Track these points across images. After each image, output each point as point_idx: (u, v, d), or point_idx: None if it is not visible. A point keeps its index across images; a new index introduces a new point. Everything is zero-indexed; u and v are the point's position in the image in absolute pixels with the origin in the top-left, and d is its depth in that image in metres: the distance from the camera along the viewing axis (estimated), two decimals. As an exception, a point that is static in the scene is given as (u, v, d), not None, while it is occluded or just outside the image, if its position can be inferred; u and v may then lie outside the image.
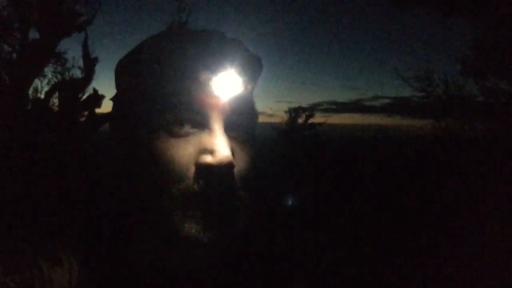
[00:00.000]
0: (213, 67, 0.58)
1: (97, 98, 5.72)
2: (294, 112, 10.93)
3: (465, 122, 4.33)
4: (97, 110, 5.75)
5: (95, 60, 5.92)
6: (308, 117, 10.76)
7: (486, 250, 3.26)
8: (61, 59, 6.15)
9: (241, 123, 0.61)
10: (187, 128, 0.58)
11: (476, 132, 4.36)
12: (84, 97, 5.77)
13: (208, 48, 0.59)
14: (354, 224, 4.04)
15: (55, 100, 5.79)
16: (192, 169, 0.57)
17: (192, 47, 0.59)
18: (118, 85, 0.68)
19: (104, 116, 5.85)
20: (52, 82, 6.06)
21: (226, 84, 0.58)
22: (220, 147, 0.56)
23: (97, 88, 5.74)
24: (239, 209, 0.58)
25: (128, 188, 0.63)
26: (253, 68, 0.63)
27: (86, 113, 5.71)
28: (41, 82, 5.99)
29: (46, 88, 5.81)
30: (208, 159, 0.56)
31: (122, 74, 0.66)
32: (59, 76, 6.20)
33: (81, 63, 5.94)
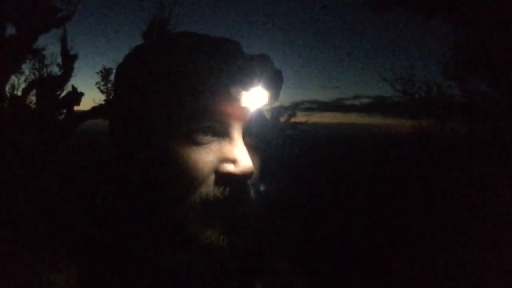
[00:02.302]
0: (244, 82, 0.59)
1: (76, 96, 5.64)
2: (276, 111, 10.92)
3: (446, 123, 4.41)
4: (76, 108, 5.70)
5: (74, 57, 5.82)
6: (290, 116, 10.77)
7: (471, 248, 3.31)
8: (39, 56, 6.03)
9: (253, 130, 0.64)
10: (208, 136, 0.59)
11: (457, 133, 4.44)
12: (63, 94, 5.70)
13: (237, 63, 0.60)
14: (341, 222, 4.06)
15: (32, 98, 5.71)
16: (212, 177, 0.59)
17: (217, 59, 0.60)
18: (124, 88, 0.66)
19: (84, 114, 5.77)
20: (30, 79, 5.94)
21: (254, 98, 0.60)
22: (242, 157, 0.58)
23: (76, 85, 5.69)
24: (254, 214, 0.61)
25: (141, 193, 0.62)
26: (277, 83, 0.64)
27: (64, 111, 5.63)
28: (18, 79, 5.87)
29: (23, 85, 5.70)
30: (230, 168, 0.58)
31: (133, 78, 0.64)
32: (37, 73, 6.08)
33: (59, 60, 5.85)
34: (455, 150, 4.38)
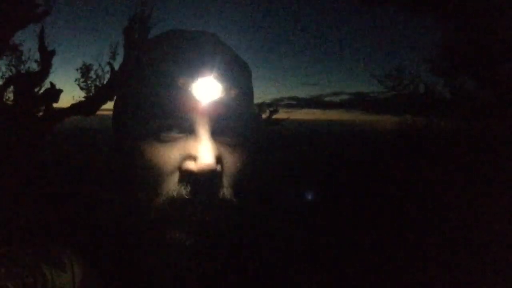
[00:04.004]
0: (192, 73, 0.58)
1: (54, 93, 5.53)
2: (258, 108, 10.93)
3: (433, 119, 4.48)
4: (55, 105, 5.59)
5: (52, 52, 5.71)
6: (272, 112, 10.79)
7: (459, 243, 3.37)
8: (16, 52, 5.88)
9: (230, 127, 0.61)
10: (174, 133, 0.59)
11: (443, 129, 4.51)
12: (41, 91, 5.58)
13: (186, 51, 0.60)
14: (326, 220, 4.08)
15: (9, 95, 5.57)
16: (177, 175, 0.58)
17: (173, 51, 0.60)
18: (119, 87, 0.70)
19: (63, 111, 5.67)
20: (7, 76, 5.79)
21: (205, 89, 0.58)
22: (202, 154, 0.56)
23: (54, 82, 5.57)
24: (226, 214, 0.59)
25: (124, 193, 0.63)
26: (236, 73, 0.63)
27: (43, 108, 5.52)
28: (-5, 75, 5.72)
29: (0, 82, 5.55)
30: (190, 165, 0.57)
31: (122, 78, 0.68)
32: (14, 70, 5.93)
33: (37, 56, 5.72)
34: (441, 146, 4.45)
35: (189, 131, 0.59)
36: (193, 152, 0.57)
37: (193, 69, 0.58)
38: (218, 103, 0.59)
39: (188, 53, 0.60)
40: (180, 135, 0.59)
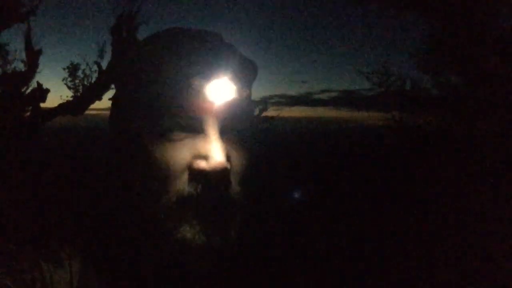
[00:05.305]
0: (206, 74, 0.58)
1: (41, 92, 5.47)
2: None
3: (420, 116, 4.51)
4: (42, 105, 5.53)
5: (39, 52, 5.64)
6: (262, 110, 10.78)
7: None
8: (1, 52, 5.80)
9: (235, 126, 0.62)
10: (182, 133, 0.59)
11: (430, 125, 4.55)
12: (28, 91, 5.52)
13: (202, 54, 0.60)
14: (324, 218, 4.10)
15: (-4, 95, 5.50)
16: (187, 174, 0.58)
17: (186, 51, 0.60)
18: (117, 86, 0.69)
19: (51, 111, 5.62)
20: (-8, 76, 5.70)
21: (220, 90, 0.59)
22: (214, 153, 0.57)
23: (41, 81, 5.50)
24: (234, 212, 0.60)
25: (127, 191, 0.63)
26: (247, 74, 0.64)
27: (30, 108, 5.46)
28: (-20, 76, 5.63)
29: (-15, 82, 5.47)
30: (202, 164, 0.57)
31: (122, 75, 0.66)
32: (-1, 69, 5.85)
33: (23, 55, 5.65)
34: (429, 143, 4.48)
35: (199, 130, 0.59)
36: (203, 151, 0.58)
37: (208, 69, 0.59)
38: (229, 103, 0.60)
39: (201, 53, 0.60)
40: (190, 134, 0.59)
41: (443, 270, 3.08)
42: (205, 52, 0.60)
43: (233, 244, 0.64)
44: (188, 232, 0.57)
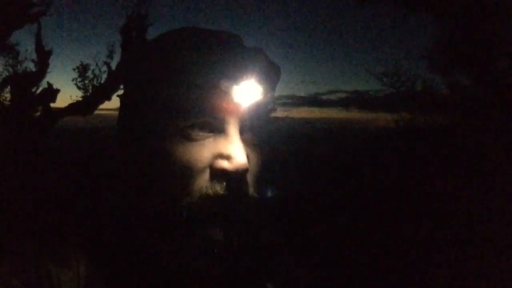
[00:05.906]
0: (235, 76, 0.58)
1: (51, 93, 5.53)
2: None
3: (431, 117, 4.49)
4: (52, 105, 5.58)
5: (49, 52, 5.71)
6: (270, 111, 10.79)
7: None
8: (13, 52, 5.87)
9: (253, 127, 0.63)
10: (203, 132, 0.59)
11: (440, 125, 4.52)
12: (38, 91, 5.58)
13: (230, 56, 0.59)
14: (338, 217, 4.09)
15: (6, 95, 5.58)
16: (208, 173, 0.58)
17: (213, 52, 0.59)
18: (127, 83, 0.68)
19: (61, 111, 5.66)
20: (4, 76, 5.78)
21: (246, 92, 0.59)
22: (237, 153, 0.57)
23: (51, 82, 5.57)
24: (252, 210, 0.60)
25: (141, 191, 0.63)
26: (272, 77, 0.64)
27: (40, 108, 5.51)
28: (-9, 75, 5.71)
29: (-3, 82, 5.54)
30: (224, 164, 0.57)
31: (133, 73, 0.65)
32: (10, 70, 5.92)
33: (34, 55, 5.71)
34: (439, 143, 4.45)
35: (218, 130, 0.59)
36: (224, 151, 0.58)
37: (237, 71, 0.58)
38: (253, 105, 0.60)
39: (229, 55, 0.60)
40: (209, 134, 0.59)
41: (443, 270, 3.06)
42: (233, 54, 0.60)
43: (254, 244, 0.64)
44: (210, 229, 0.57)
